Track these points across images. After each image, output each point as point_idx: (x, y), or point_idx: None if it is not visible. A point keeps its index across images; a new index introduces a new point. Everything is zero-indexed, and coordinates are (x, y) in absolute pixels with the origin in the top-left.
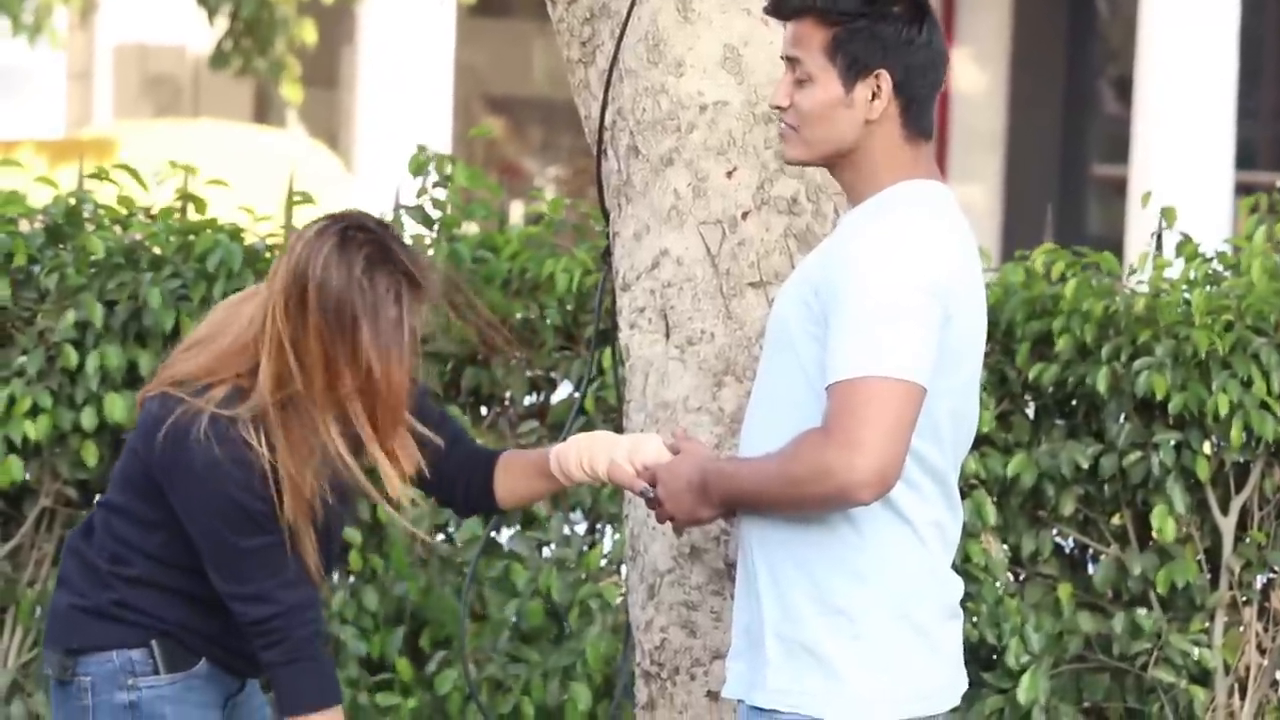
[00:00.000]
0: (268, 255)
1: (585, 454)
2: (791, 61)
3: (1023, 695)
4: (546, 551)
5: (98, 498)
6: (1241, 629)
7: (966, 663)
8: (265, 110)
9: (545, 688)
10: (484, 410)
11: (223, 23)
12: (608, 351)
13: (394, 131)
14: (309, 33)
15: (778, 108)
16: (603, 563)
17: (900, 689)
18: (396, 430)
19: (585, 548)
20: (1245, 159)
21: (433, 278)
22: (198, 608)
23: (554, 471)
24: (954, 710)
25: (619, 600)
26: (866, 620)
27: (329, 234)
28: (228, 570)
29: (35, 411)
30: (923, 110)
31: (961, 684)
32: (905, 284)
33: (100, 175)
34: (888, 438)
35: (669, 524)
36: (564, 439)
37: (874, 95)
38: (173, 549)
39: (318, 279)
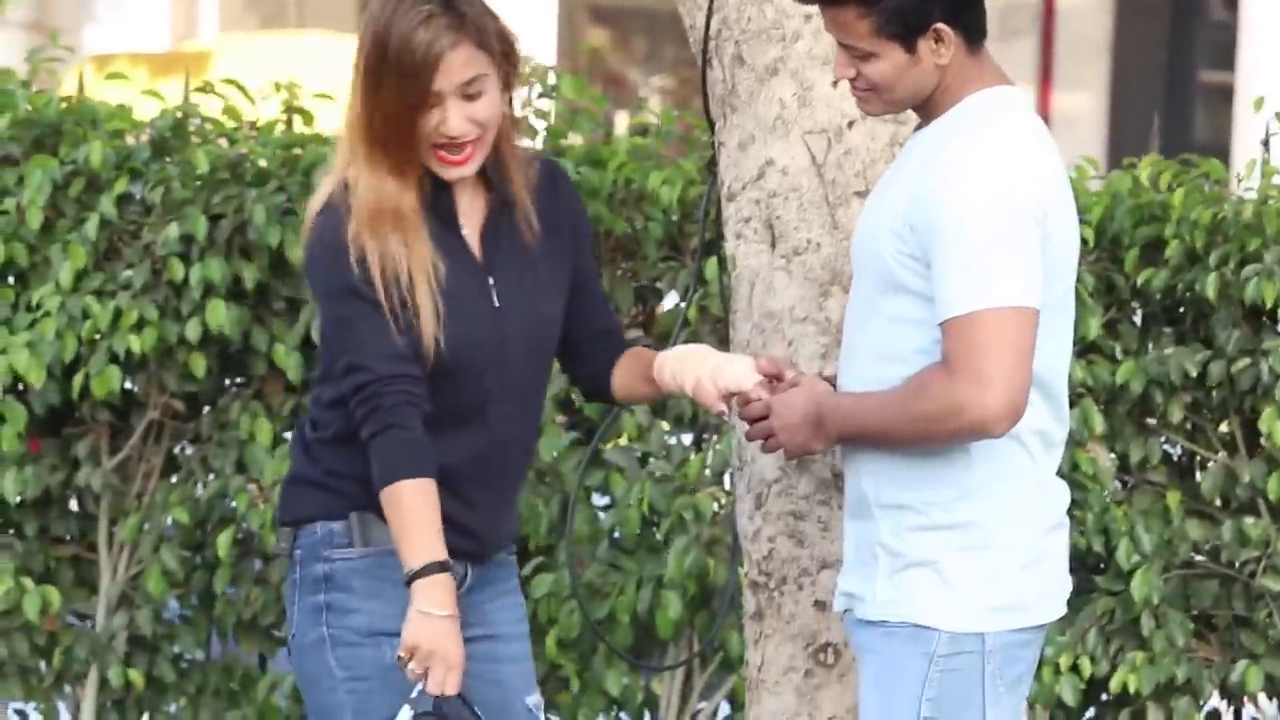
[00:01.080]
0: None
1: (677, 367)
2: (844, 45)
3: (1136, 593)
4: (651, 463)
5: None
6: None
7: (1074, 570)
8: None
9: (638, 595)
10: None
11: None
12: (711, 262)
13: None
14: None
15: (846, 78)
16: (706, 473)
17: (1009, 599)
18: (408, 154)
19: (691, 456)
20: None
21: (476, 15)
22: None
23: (654, 377)
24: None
25: (715, 512)
26: (976, 533)
27: None
28: (338, 343)
29: (141, 325)
30: (980, 19)
31: (1066, 592)
32: (1005, 208)
33: (206, 89)
34: (1013, 368)
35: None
36: (671, 347)
37: (936, 41)
38: None
39: (366, 32)
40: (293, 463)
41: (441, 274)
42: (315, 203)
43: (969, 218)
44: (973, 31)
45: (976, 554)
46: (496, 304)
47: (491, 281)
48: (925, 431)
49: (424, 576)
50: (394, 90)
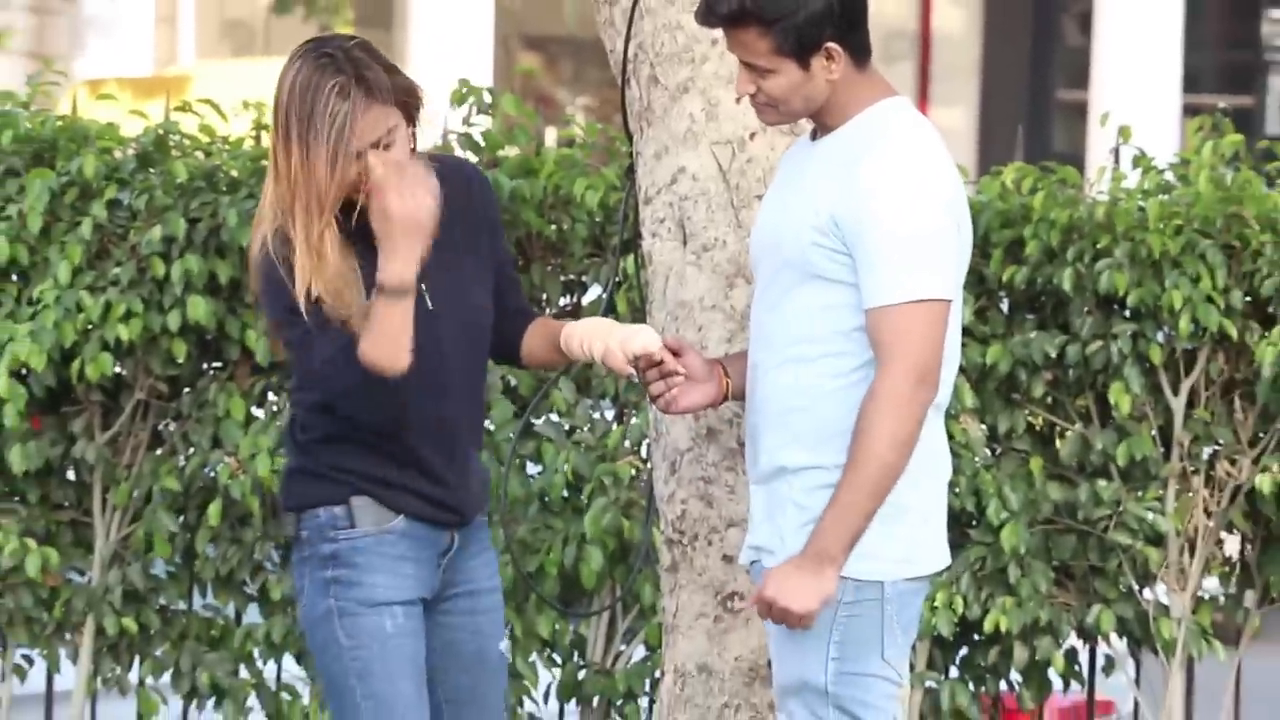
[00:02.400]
0: None
1: (586, 337)
2: (745, 63)
3: (1005, 544)
4: (577, 434)
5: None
6: (1190, 495)
7: (951, 527)
8: None
9: (564, 551)
10: None
11: None
12: (630, 258)
13: (442, 66)
14: None
15: (747, 94)
16: (626, 443)
17: (905, 551)
18: (318, 218)
19: (612, 428)
20: (1191, 83)
21: (381, 79)
22: (386, 458)
23: (561, 347)
24: None
25: (632, 477)
26: None
27: (295, 55)
28: (293, 364)
29: (128, 316)
30: (866, 38)
31: (946, 548)
32: (927, 206)
33: (184, 108)
34: (930, 354)
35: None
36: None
37: (828, 59)
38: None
39: (278, 95)
40: (290, 456)
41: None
42: (254, 247)
43: (895, 218)
44: (859, 50)
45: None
46: (430, 306)
47: (423, 286)
48: (903, 435)
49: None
50: (319, 155)
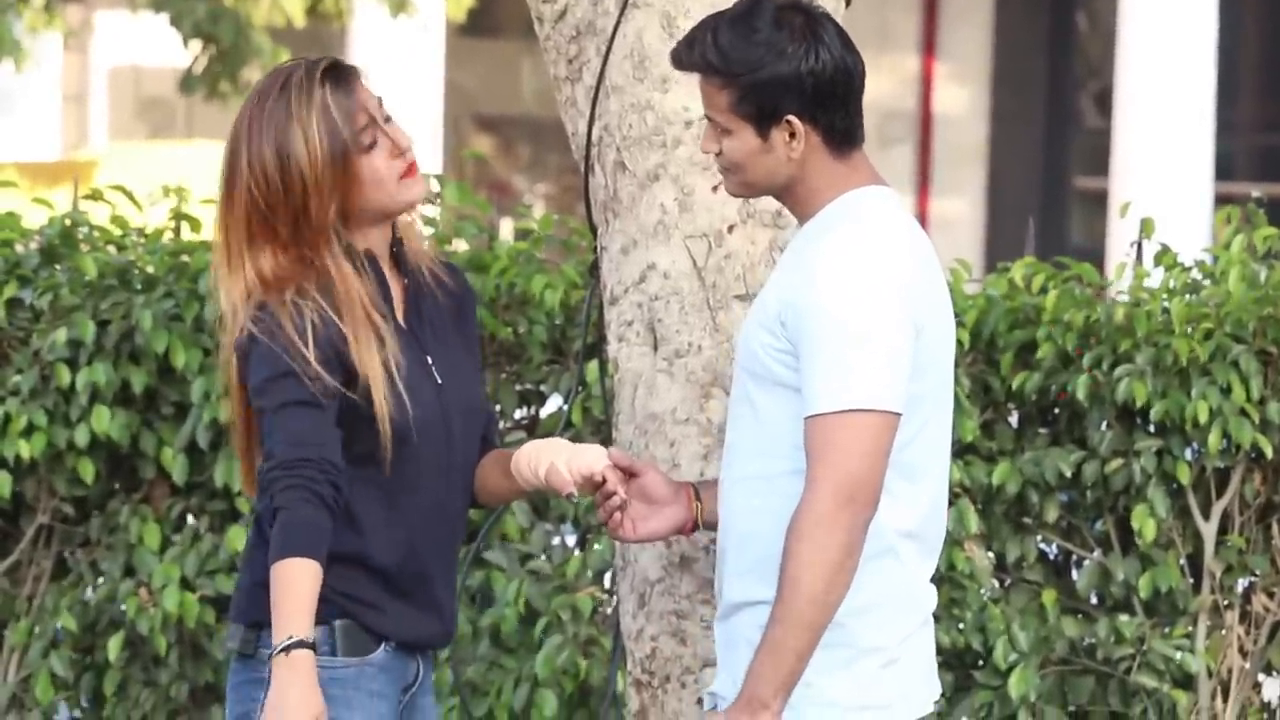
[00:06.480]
0: None
1: (534, 458)
2: (708, 117)
3: (1013, 690)
4: (531, 561)
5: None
6: (1223, 632)
7: (952, 666)
8: None
9: (514, 693)
10: None
11: (198, 46)
12: (593, 365)
13: None
14: (281, 59)
15: (711, 153)
16: (589, 574)
17: (869, 698)
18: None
19: (573, 554)
20: (1224, 170)
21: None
22: (370, 571)
23: (512, 473)
24: (940, 708)
25: (592, 611)
26: (837, 631)
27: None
28: (268, 426)
29: (30, 429)
30: (846, 124)
31: (933, 691)
32: (871, 306)
33: (94, 196)
34: (868, 464)
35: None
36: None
37: (790, 136)
38: None
39: (234, 130)
40: (254, 561)
41: (396, 354)
42: (239, 309)
43: (834, 315)
44: (835, 134)
45: (835, 651)
46: (439, 381)
47: (430, 360)
48: (834, 560)
49: (289, 651)
50: (343, 137)
